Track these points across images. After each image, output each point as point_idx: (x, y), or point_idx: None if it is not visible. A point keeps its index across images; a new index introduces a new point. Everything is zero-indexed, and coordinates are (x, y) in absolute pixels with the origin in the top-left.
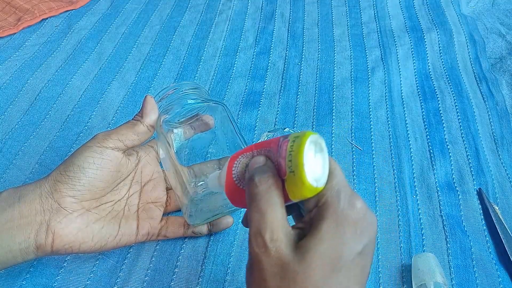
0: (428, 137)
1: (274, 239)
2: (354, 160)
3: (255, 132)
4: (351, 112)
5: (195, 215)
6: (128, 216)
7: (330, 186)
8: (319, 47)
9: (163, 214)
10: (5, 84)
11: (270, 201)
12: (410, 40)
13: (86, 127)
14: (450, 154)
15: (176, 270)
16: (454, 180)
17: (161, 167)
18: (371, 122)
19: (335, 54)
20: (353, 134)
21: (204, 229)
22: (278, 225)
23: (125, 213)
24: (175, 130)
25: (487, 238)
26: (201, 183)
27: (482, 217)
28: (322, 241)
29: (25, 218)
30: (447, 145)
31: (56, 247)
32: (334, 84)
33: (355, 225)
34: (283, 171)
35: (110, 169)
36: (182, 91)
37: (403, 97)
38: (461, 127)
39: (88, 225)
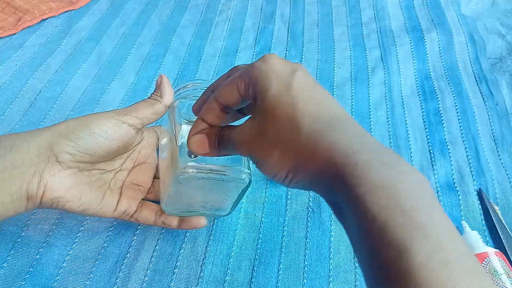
0: (428, 137)
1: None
2: None
3: None
4: (351, 112)
5: (172, 201)
6: (113, 189)
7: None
8: (319, 47)
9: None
10: (5, 84)
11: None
12: (410, 40)
13: None
14: (450, 154)
15: (176, 270)
16: (454, 180)
17: (157, 155)
18: (371, 122)
19: (335, 54)
20: None
21: (174, 221)
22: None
23: (111, 185)
24: (183, 126)
25: (487, 238)
26: (192, 161)
27: (482, 217)
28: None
29: (18, 168)
30: (447, 145)
31: (45, 200)
32: (334, 84)
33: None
34: None
35: (118, 144)
36: (204, 87)
37: (403, 97)
38: (461, 127)
39: (78, 185)
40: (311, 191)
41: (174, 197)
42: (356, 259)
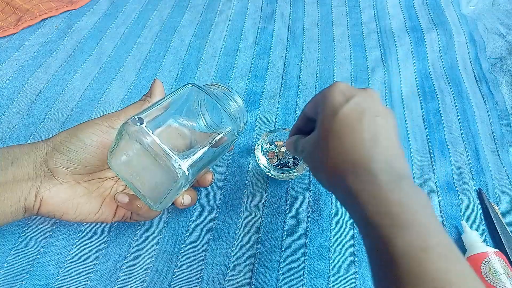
0: (428, 137)
1: None
2: None
3: (255, 132)
4: None
5: (115, 154)
6: (113, 196)
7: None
8: (319, 47)
9: None
10: (5, 84)
11: None
12: (410, 40)
13: None
14: (450, 154)
15: (176, 270)
16: (454, 180)
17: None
18: None
19: (335, 54)
20: None
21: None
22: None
23: (111, 192)
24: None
25: (487, 238)
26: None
27: (482, 217)
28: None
29: (18, 182)
30: (447, 145)
31: (41, 212)
32: None
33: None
34: None
35: None
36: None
37: (403, 97)
38: (461, 127)
39: (74, 197)
40: (311, 190)
41: (117, 149)
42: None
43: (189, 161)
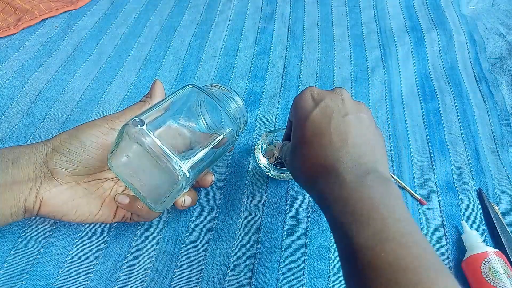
0: (428, 137)
1: None
2: None
3: (255, 132)
4: None
5: (116, 156)
6: (113, 197)
7: None
8: (319, 47)
9: None
10: (5, 84)
11: None
12: (410, 40)
13: None
14: (450, 154)
15: (176, 270)
16: (454, 180)
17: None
18: None
19: (335, 54)
20: None
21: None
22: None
23: (112, 193)
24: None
25: (487, 238)
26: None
27: (482, 217)
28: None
29: (17, 183)
30: (447, 145)
31: (41, 213)
32: (334, 84)
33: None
34: None
35: None
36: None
37: (403, 97)
38: (461, 127)
39: (74, 199)
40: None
41: (117, 150)
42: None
43: (190, 162)
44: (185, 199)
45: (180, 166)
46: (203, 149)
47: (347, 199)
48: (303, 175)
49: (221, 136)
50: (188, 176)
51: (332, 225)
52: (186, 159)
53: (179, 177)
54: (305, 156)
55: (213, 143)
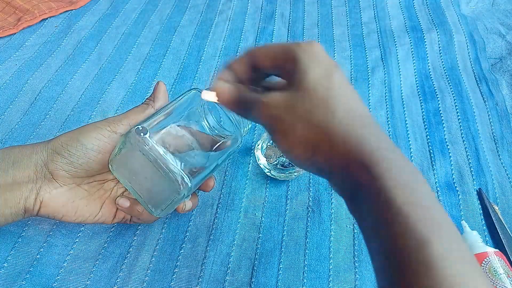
0: (428, 137)
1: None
2: None
3: (255, 132)
4: None
5: (117, 159)
6: (113, 198)
7: None
8: None
9: None
10: (5, 84)
11: None
12: (410, 40)
13: None
14: (450, 154)
15: (176, 270)
16: (454, 180)
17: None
18: None
19: (335, 54)
20: None
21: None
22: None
23: (111, 194)
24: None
25: (487, 238)
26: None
27: (482, 217)
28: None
29: (18, 184)
30: (447, 145)
31: (41, 214)
32: None
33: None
34: None
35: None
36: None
37: (403, 97)
38: (461, 127)
39: (74, 200)
40: (311, 190)
41: (119, 156)
42: (368, 249)
43: (192, 172)
44: (186, 204)
45: (182, 177)
46: (205, 153)
47: (410, 187)
48: (335, 134)
49: (224, 141)
50: (190, 186)
51: (383, 214)
52: (188, 167)
53: (181, 187)
54: (342, 109)
55: (215, 148)
